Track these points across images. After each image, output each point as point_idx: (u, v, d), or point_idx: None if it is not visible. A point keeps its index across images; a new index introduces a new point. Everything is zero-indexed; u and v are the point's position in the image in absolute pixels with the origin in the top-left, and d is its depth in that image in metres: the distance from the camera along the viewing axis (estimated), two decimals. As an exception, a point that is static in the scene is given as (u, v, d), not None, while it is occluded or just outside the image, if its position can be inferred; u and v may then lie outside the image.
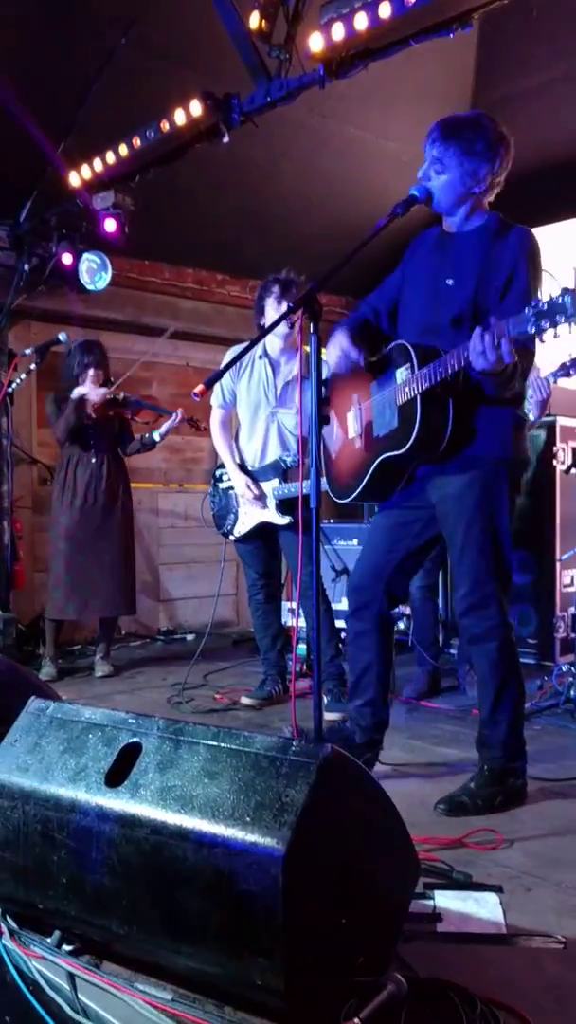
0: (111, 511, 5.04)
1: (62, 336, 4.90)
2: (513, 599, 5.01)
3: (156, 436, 5.25)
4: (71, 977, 1.73)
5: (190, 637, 6.49)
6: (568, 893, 2.23)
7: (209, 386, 2.50)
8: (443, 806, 2.80)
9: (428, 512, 2.95)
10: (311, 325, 2.42)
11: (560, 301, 2.32)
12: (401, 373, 2.83)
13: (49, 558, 5.07)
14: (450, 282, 2.83)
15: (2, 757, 1.96)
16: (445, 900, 2.15)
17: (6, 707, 2.11)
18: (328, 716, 3.71)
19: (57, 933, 1.85)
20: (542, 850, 2.52)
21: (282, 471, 4.18)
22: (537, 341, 2.49)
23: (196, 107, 3.99)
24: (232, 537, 4.41)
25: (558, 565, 5.04)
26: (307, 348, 2.49)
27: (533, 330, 2.37)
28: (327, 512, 5.11)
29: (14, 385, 5.09)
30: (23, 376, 5.09)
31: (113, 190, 4.74)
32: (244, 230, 5.99)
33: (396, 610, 3.21)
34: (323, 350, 2.91)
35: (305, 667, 4.79)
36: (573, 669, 4.12)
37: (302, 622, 4.56)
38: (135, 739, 1.80)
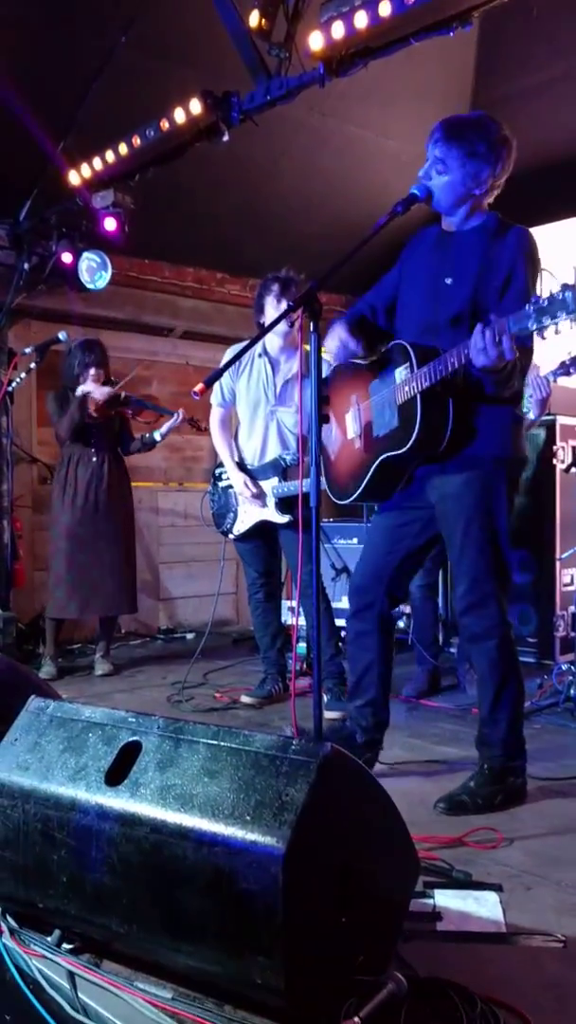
0: (112, 510, 5.04)
1: (62, 335, 4.90)
2: (513, 598, 5.00)
3: (157, 436, 5.26)
4: (71, 976, 1.73)
5: (190, 636, 6.49)
6: (568, 892, 2.24)
7: (209, 385, 2.49)
8: (443, 805, 2.81)
9: (427, 512, 2.95)
10: (311, 324, 2.42)
11: (561, 297, 2.33)
12: (400, 373, 2.83)
13: (49, 557, 5.07)
14: (449, 281, 2.83)
15: (2, 756, 1.96)
16: (445, 899, 2.15)
17: (6, 706, 2.11)
18: (328, 715, 3.71)
19: (57, 932, 1.85)
20: (542, 849, 2.52)
21: (281, 469, 4.18)
22: (536, 338, 2.49)
23: (196, 106, 3.98)
24: (231, 536, 4.41)
25: (558, 564, 5.04)
26: (307, 347, 2.49)
27: (534, 326, 2.38)
28: (327, 511, 5.11)
29: (14, 384, 5.09)
30: (23, 375, 5.09)
31: (113, 189, 4.73)
32: (244, 229, 5.99)
33: (396, 609, 3.21)
34: (322, 347, 2.91)
35: (305, 666, 4.79)
36: (573, 668, 4.12)
37: (302, 621, 4.56)
38: (135, 738, 1.80)
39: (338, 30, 3.39)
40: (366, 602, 3.05)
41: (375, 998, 1.51)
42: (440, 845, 2.50)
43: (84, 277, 5.23)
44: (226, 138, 4.08)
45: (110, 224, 4.82)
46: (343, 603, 5.16)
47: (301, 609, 4.44)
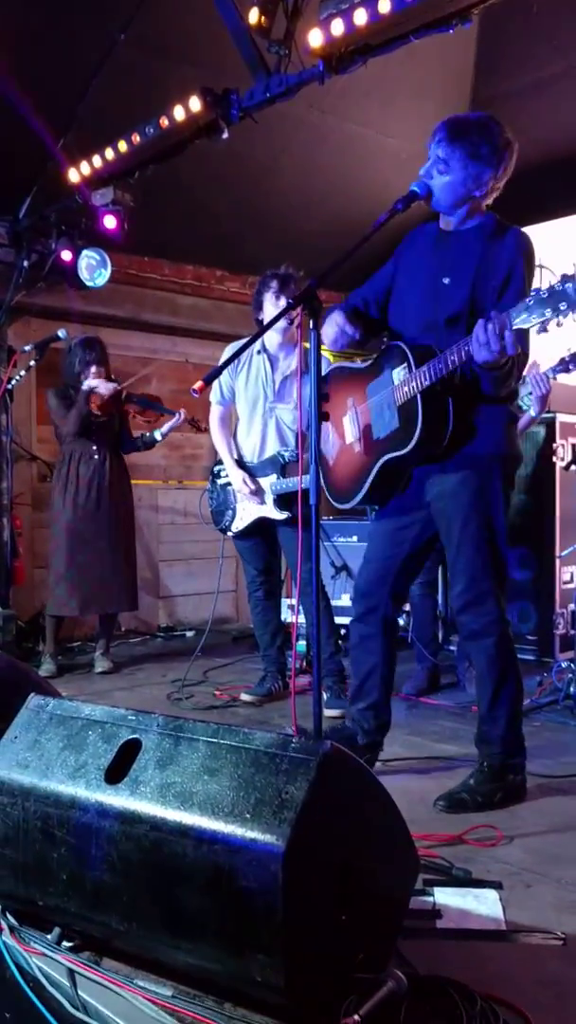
0: (113, 507, 5.04)
1: (61, 333, 4.90)
2: (513, 595, 5.04)
3: (157, 435, 5.27)
4: (71, 973, 1.73)
5: (190, 634, 6.50)
6: (567, 889, 2.24)
7: (208, 382, 2.49)
8: (443, 803, 2.81)
9: (425, 512, 2.95)
10: (311, 321, 2.41)
11: (561, 288, 2.33)
12: (398, 373, 2.83)
13: (50, 554, 5.06)
14: (447, 281, 2.83)
15: (2, 754, 1.96)
16: (445, 897, 2.15)
17: (6, 704, 2.11)
18: (328, 713, 3.72)
19: (57, 930, 1.86)
20: (542, 846, 2.52)
21: (280, 466, 4.18)
22: (535, 335, 2.49)
23: (195, 103, 3.98)
24: (230, 533, 4.41)
25: (558, 562, 5.04)
26: (307, 344, 2.49)
27: (536, 319, 2.38)
28: (326, 509, 5.13)
29: (14, 382, 5.09)
30: (23, 373, 5.09)
31: (112, 186, 4.73)
32: (244, 226, 5.99)
33: (401, 610, 3.21)
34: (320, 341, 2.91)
35: (305, 663, 4.79)
36: (573, 665, 4.13)
37: (301, 619, 4.56)
38: (135, 736, 1.80)
39: (337, 27, 3.38)
40: (370, 606, 3.05)
41: (375, 996, 1.51)
42: (440, 843, 2.50)
43: (83, 275, 5.23)
44: (226, 135, 4.07)
45: (110, 222, 4.82)
46: (343, 601, 5.17)
47: (301, 607, 4.44)
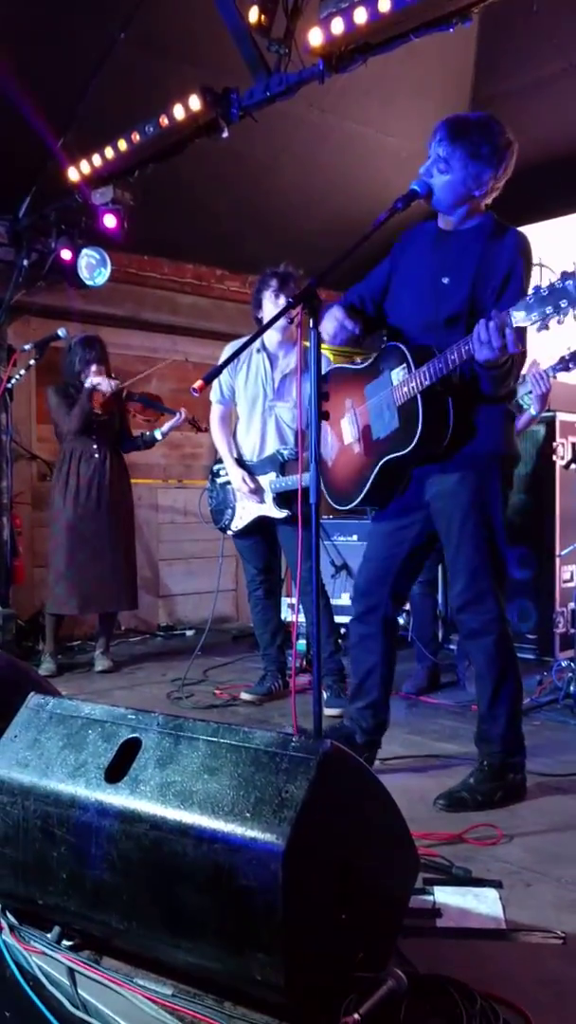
0: (113, 506, 5.04)
1: (61, 332, 4.90)
2: (513, 594, 5.04)
3: (158, 435, 5.28)
4: (71, 972, 1.73)
5: (190, 633, 6.49)
6: (568, 888, 2.24)
7: (208, 382, 2.49)
8: (442, 802, 2.81)
9: (425, 512, 2.95)
10: (311, 320, 2.41)
11: (562, 286, 2.34)
12: (397, 374, 2.83)
13: (50, 552, 5.06)
14: (446, 281, 2.83)
15: (2, 753, 1.96)
16: (445, 896, 2.15)
17: (6, 703, 2.11)
18: (328, 712, 3.72)
19: (57, 929, 1.86)
20: (542, 845, 2.52)
21: (279, 464, 4.18)
22: (536, 333, 2.49)
23: (195, 102, 3.98)
24: (230, 532, 4.41)
25: (558, 561, 5.04)
26: (307, 343, 2.49)
27: (537, 316, 2.39)
28: (326, 508, 5.14)
29: (13, 380, 5.10)
30: (22, 372, 5.09)
31: (112, 185, 4.73)
32: (244, 225, 5.98)
33: (401, 610, 3.21)
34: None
35: (305, 663, 4.79)
36: (572, 664, 4.13)
37: (301, 618, 4.56)
38: (135, 735, 1.80)
39: (337, 26, 3.38)
40: (370, 605, 3.05)
41: (375, 995, 1.51)
42: (440, 842, 2.50)
43: (83, 274, 5.23)
44: (225, 134, 4.07)
45: (110, 221, 4.82)
46: (343, 600, 5.16)
47: (301, 606, 4.44)
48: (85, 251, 5.22)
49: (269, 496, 4.19)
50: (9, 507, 5.50)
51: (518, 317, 2.45)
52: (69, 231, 5.22)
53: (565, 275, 2.35)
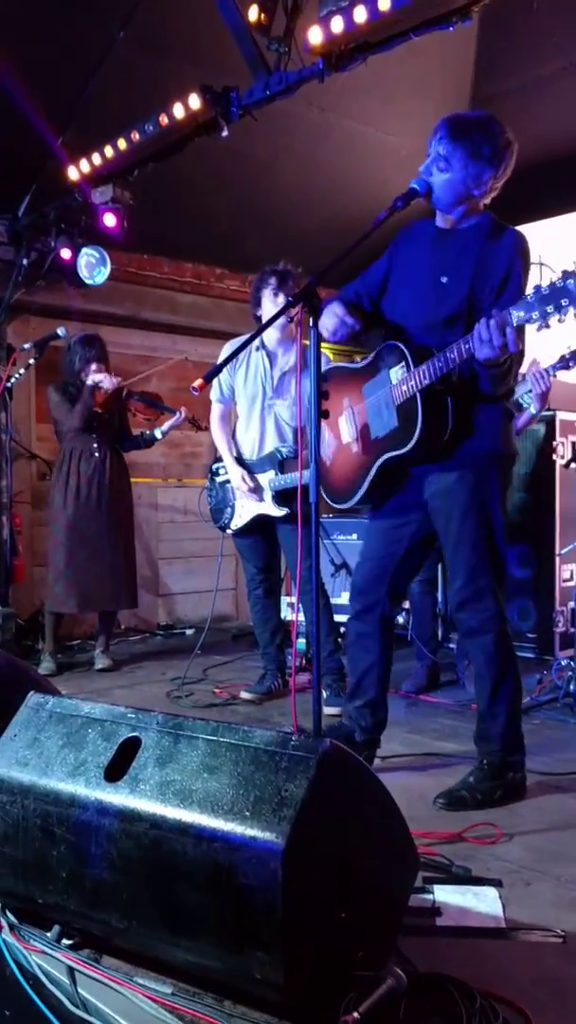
0: (112, 505, 5.04)
1: (61, 331, 4.90)
2: (513, 593, 5.04)
3: (158, 434, 5.28)
4: (71, 971, 1.73)
5: (189, 632, 6.50)
6: (567, 887, 2.24)
7: (208, 380, 2.49)
8: (442, 800, 2.81)
9: (422, 510, 2.95)
10: (310, 319, 2.41)
11: (563, 285, 2.34)
12: (396, 372, 2.83)
13: (49, 551, 5.06)
14: (445, 280, 2.83)
15: (1, 752, 1.96)
16: (444, 894, 2.15)
17: (5, 702, 2.11)
18: (327, 711, 3.72)
19: (57, 927, 1.86)
20: (541, 844, 2.52)
21: (278, 462, 4.17)
22: (535, 332, 2.50)
23: (195, 101, 3.98)
24: (230, 530, 4.41)
25: (558, 559, 5.04)
26: (306, 342, 2.49)
27: (537, 315, 2.39)
28: (325, 507, 5.14)
29: (13, 380, 5.09)
30: (22, 371, 5.09)
31: (112, 184, 4.73)
32: (243, 224, 5.98)
33: (399, 608, 3.21)
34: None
35: (304, 662, 4.79)
36: (572, 663, 4.13)
37: (301, 617, 4.56)
38: (134, 734, 1.81)
39: (337, 25, 3.38)
40: (368, 603, 3.05)
41: (374, 993, 1.51)
42: (439, 841, 2.50)
43: (83, 273, 5.23)
44: (225, 133, 4.07)
45: (110, 220, 4.82)
46: (342, 599, 5.16)
47: (300, 605, 4.44)
48: (85, 250, 5.22)
49: (268, 494, 4.19)
50: (9, 506, 5.50)
51: (519, 316, 2.46)
52: (69, 230, 5.22)
53: (566, 274, 2.36)
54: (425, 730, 3.78)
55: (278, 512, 4.16)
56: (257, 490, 4.21)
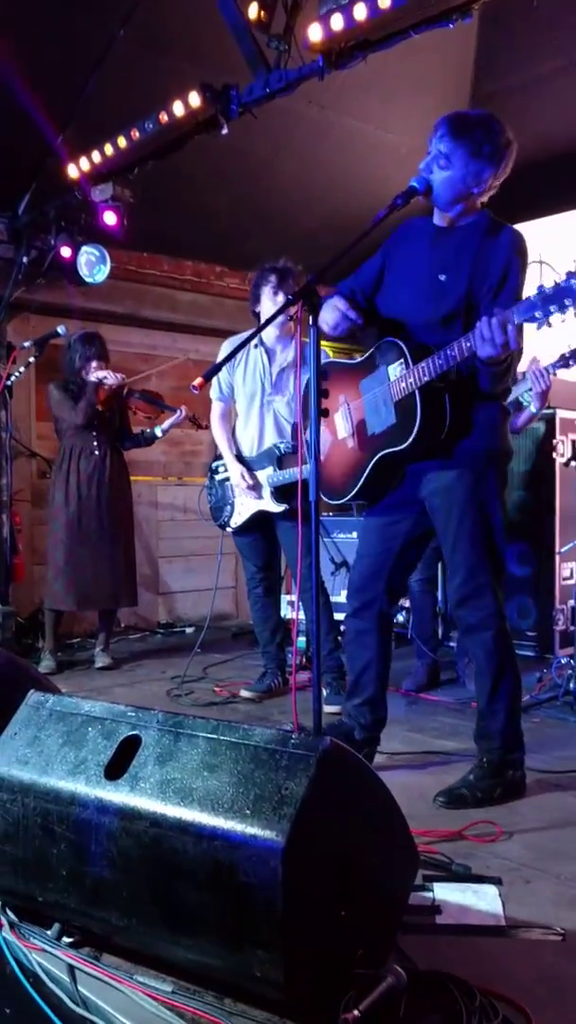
0: (112, 503, 5.04)
1: (61, 329, 4.89)
2: (513, 591, 5.05)
3: (158, 432, 5.28)
4: (71, 969, 1.74)
5: (189, 630, 6.50)
6: (567, 885, 2.24)
7: (208, 379, 2.49)
8: (442, 798, 2.81)
9: (418, 507, 2.96)
10: (310, 317, 2.41)
11: (566, 284, 2.34)
12: (394, 369, 2.83)
13: (49, 548, 5.06)
14: (443, 278, 2.83)
15: (2, 750, 1.96)
16: (444, 892, 2.15)
17: (5, 700, 2.11)
18: (327, 709, 3.72)
19: (57, 925, 1.86)
20: (541, 842, 2.52)
21: (276, 458, 4.17)
22: (536, 331, 2.50)
23: (195, 99, 3.97)
24: (229, 528, 4.40)
25: (557, 558, 5.04)
26: (305, 339, 2.49)
27: (540, 314, 2.40)
28: (326, 506, 5.14)
29: (13, 378, 5.09)
30: (22, 369, 5.09)
31: (112, 182, 4.73)
32: (243, 222, 5.98)
33: (395, 606, 3.21)
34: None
35: (304, 660, 4.79)
36: (572, 662, 4.13)
37: (301, 615, 4.56)
38: (134, 732, 1.81)
39: (337, 22, 3.38)
40: (365, 600, 3.05)
41: (374, 991, 1.52)
42: (439, 839, 2.50)
43: (83, 271, 5.22)
44: (225, 131, 4.07)
45: (110, 218, 4.82)
46: (342, 597, 5.16)
47: (300, 603, 4.44)
48: (85, 248, 5.22)
49: (267, 491, 4.19)
50: (9, 504, 5.50)
51: (522, 314, 2.47)
52: (69, 228, 5.22)
53: (570, 274, 2.36)
54: (425, 728, 3.78)
55: (277, 508, 4.15)
56: (256, 487, 4.21)
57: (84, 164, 4.68)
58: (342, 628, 4.32)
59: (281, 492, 4.14)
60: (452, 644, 5.06)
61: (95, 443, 5.02)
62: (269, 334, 4.18)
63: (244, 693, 4.38)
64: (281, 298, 4.01)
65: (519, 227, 2.85)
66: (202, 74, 4.03)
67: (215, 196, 5.74)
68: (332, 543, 5.51)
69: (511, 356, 2.65)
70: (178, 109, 4.04)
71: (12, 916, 1.92)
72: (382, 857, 1.73)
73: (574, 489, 5.07)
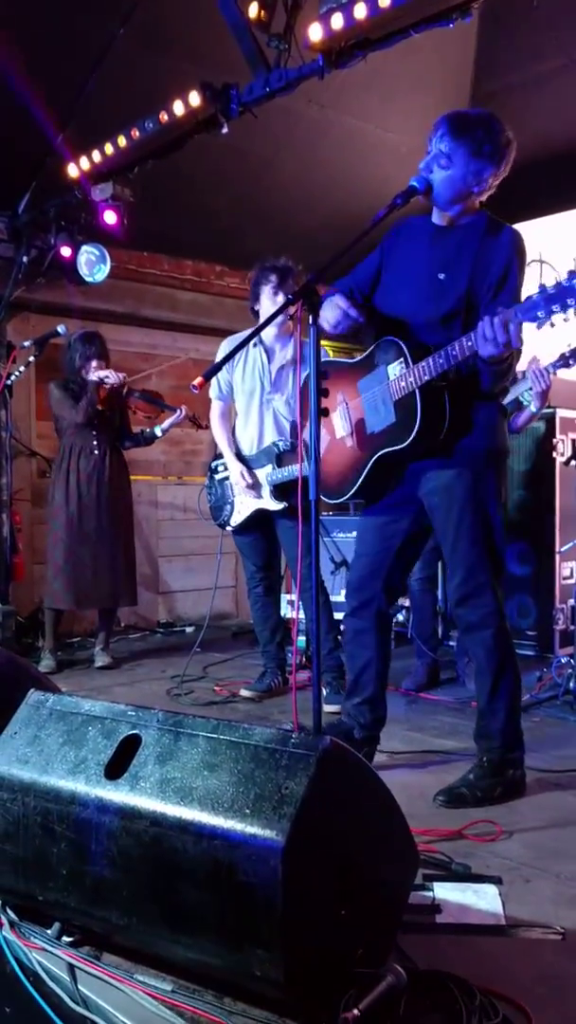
0: (112, 503, 5.04)
1: (61, 328, 4.89)
2: (513, 591, 5.05)
3: (158, 431, 5.29)
4: (71, 968, 1.73)
5: (189, 629, 6.50)
6: (566, 884, 2.24)
7: (208, 378, 2.49)
8: (442, 798, 2.81)
9: (416, 506, 2.96)
10: (310, 317, 2.41)
11: (568, 284, 2.35)
12: (394, 368, 2.82)
13: (49, 547, 5.06)
14: (443, 277, 2.83)
15: (2, 749, 1.96)
16: (444, 891, 2.15)
17: (5, 700, 2.11)
18: (327, 708, 3.72)
19: (57, 925, 1.86)
20: (541, 841, 2.52)
21: (275, 456, 4.17)
22: (536, 330, 2.50)
23: (195, 98, 3.97)
24: (229, 527, 4.40)
25: (557, 557, 5.04)
26: (305, 339, 2.49)
27: (543, 314, 2.40)
28: (325, 505, 5.14)
29: (13, 377, 5.09)
30: (22, 368, 5.09)
31: (112, 181, 4.73)
32: (244, 221, 5.98)
33: (395, 605, 3.21)
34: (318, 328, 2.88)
35: (304, 659, 4.80)
36: (572, 661, 4.13)
37: (301, 614, 4.56)
38: (134, 731, 1.81)
39: (337, 21, 3.38)
40: (364, 599, 3.05)
41: (374, 990, 1.52)
42: (439, 838, 2.50)
43: (83, 270, 5.23)
44: (225, 130, 4.07)
45: (110, 217, 4.82)
46: (342, 596, 5.16)
47: (300, 603, 4.44)
48: (85, 247, 5.22)
49: (266, 489, 4.19)
50: (9, 504, 5.50)
51: (525, 314, 2.47)
52: (69, 227, 5.22)
53: (572, 274, 2.37)
54: (425, 727, 3.78)
55: (276, 506, 4.15)
56: (256, 486, 4.21)
57: (84, 163, 4.68)
58: (342, 627, 4.34)
59: (280, 490, 4.14)
60: (452, 643, 5.06)
61: (95, 442, 5.01)
62: (268, 333, 4.18)
63: (244, 692, 4.38)
64: (281, 298, 4.01)
65: (519, 226, 2.86)
66: (202, 73, 4.04)
67: (215, 195, 5.73)
68: (332, 542, 5.51)
69: (511, 356, 2.65)
70: (178, 108, 4.04)
71: (12, 915, 1.92)
72: (382, 856, 1.73)
73: (574, 488, 5.07)
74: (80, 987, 1.69)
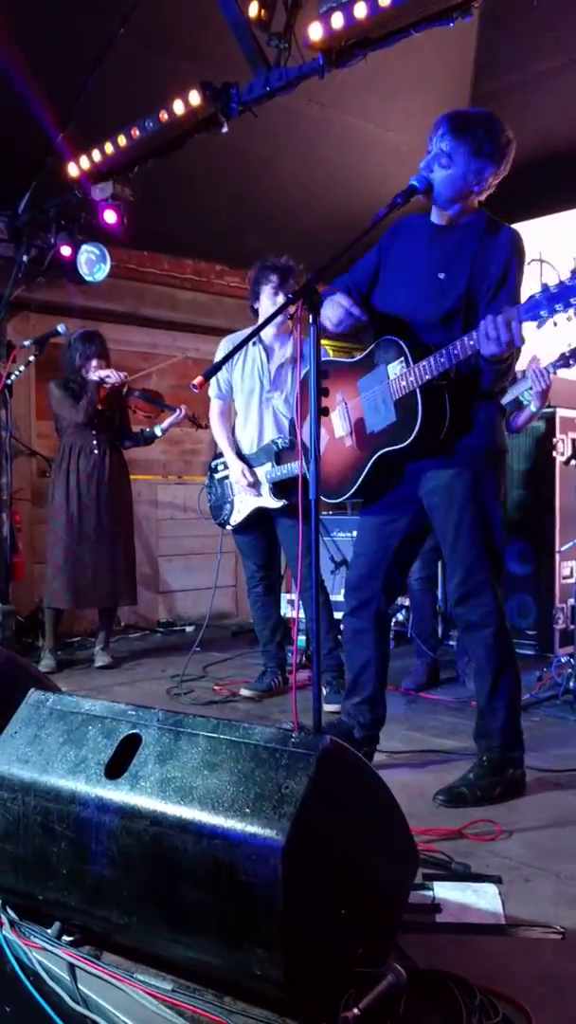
0: (112, 502, 5.04)
1: (61, 328, 4.89)
2: (512, 590, 5.05)
3: (157, 431, 5.29)
4: (71, 968, 1.73)
5: (189, 629, 6.50)
6: (566, 883, 2.24)
7: (208, 378, 2.49)
8: (442, 797, 2.81)
9: (415, 505, 2.96)
10: (310, 316, 2.41)
11: (571, 284, 2.35)
12: (394, 368, 2.82)
13: (49, 546, 5.06)
14: (442, 276, 2.83)
15: (2, 749, 1.96)
16: (444, 891, 2.15)
17: (5, 699, 2.11)
18: (327, 708, 3.72)
19: (57, 924, 1.86)
20: (541, 841, 2.52)
21: (274, 454, 4.17)
22: (536, 330, 2.51)
23: (195, 97, 3.97)
24: (229, 526, 4.40)
25: (557, 556, 5.04)
26: (305, 338, 2.48)
27: (545, 313, 2.40)
28: (325, 504, 5.14)
29: (13, 377, 5.08)
30: (22, 368, 5.08)
31: (112, 181, 4.73)
32: (244, 220, 5.98)
33: (394, 604, 3.21)
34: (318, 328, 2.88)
35: (304, 659, 4.80)
36: (572, 660, 4.13)
37: (301, 614, 4.56)
38: (135, 731, 1.81)
39: (337, 20, 3.38)
40: (362, 599, 3.05)
41: (374, 990, 1.52)
42: (439, 837, 2.50)
43: (83, 269, 5.22)
44: (225, 129, 4.07)
45: (110, 216, 4.82)
46: (342, 596, 5.15)
47: (300, 602, 4.43)
48: (85, 247, 5.21)
49: (266, 487, 4.19)
50: (9, 503, 5.50)
51: (527, 313, 2.47)
52: (69, 227, 5.22)
53: (575, 273, 2.37)
54: (425, 727, 3.78)
55: (275, 504, 4.15)
56: (256, 485, 4.21)
57: (84, 162, 4.68)
58: (342, 627, 4.34)
59: (279, 487, 4.14)
60: (452, 643, 5.06)
61: (95, 442, 5.01)
62: (267, 332, 4.18)
63: (244, 692, 4.38)
64: (281, 298, 4.01)
65: (518, 226, 2.86)
66: (202, 73, 4.03)
67: (215, 194, 5.73)
68: (332, 542, 5.51)
69: (514, 354, 2.66)
70: (178, 107, 4.04)
71: (12, 914, 1.92)
72: (382, 856, 1.73)
73: (574, 488, 5.07)
74: (80, 986, 1.69)
